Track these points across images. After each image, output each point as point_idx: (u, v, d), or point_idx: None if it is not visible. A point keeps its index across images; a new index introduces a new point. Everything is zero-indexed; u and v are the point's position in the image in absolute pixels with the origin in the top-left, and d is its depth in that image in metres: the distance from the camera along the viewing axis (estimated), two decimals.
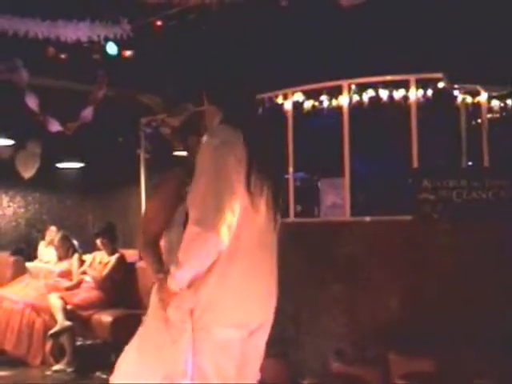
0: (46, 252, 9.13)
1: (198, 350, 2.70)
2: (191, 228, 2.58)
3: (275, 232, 2.93)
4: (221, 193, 2.59)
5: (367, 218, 6.05)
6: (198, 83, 3.23)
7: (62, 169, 10.85)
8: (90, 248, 8.48)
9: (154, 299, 2.97)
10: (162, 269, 2.97)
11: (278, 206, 2.90)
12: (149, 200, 3.13)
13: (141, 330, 3.07)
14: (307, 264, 6.04)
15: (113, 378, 3.18)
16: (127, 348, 3.14)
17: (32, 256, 9.21)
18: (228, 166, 2.63)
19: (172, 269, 2.68)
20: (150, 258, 3.15)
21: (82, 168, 10.87)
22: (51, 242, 9.08)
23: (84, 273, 7.88)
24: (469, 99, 6.30)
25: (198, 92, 3.08)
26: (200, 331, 2.70)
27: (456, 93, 6.12)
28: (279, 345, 5.62)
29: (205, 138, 2.76)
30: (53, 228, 9.23)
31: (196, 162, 2.72)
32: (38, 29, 5.79)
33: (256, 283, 2.80)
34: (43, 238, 9.60)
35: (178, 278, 2.67)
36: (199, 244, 2.58)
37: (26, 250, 9.60)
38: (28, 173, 9.65)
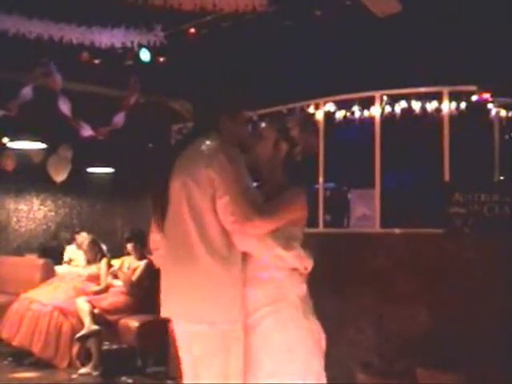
0: (75, 255, 9.19)
1: None
2: None
3: None
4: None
5: (397, 230, 6.00)
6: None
7: (93, 174, 10.95)
8: (118, 253, 8.52)
9: None
10: None
11: None
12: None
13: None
14: (335, 275, 6.01)
15: None
16: None
17: (59, 258, 9.27)
18: None
19: None
20: None
21: (112, 173, 10.95)
22: (81, 246, 9.14)
23: (114, 276, 7.92)
24: (503, 113, 6.23)
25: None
26: None
27: (490, 106, 6.05)
28: None
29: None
30: (84, 234, 9.27)
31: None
32: (73, 34, 5.84)
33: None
34: (70, 242, 9.65)
35: None
36: None
37: (52, 252, 9.68)
38: (59, 177, 9.76)
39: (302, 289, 3.13)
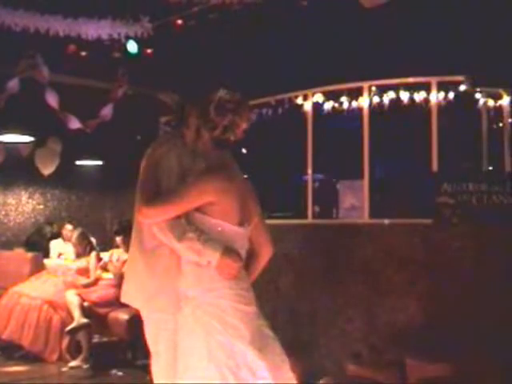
0: (63, 249, 9.15)
1: None
2: None
3: None
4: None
5: (386, 221, 6.01)
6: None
7: (81, 166, 10.88)
8: (107, 245, 8.51)
9: None
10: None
11: None
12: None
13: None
14: (324, 265, 6.02)
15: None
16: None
17: (44, 252, 9.23)
18: None
19: None
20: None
21: (100, 166, 10.90)
22: (66, 239, 9.12)
23: (103, 269, 7.91)
24: (491, 102, 6.24)
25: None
26: None
27: (478, 96, 6.06)
28: (295, 346, 5.62)
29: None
30: (69, 227, 9.24)
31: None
32: (60, 26, 5.80)
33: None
34: (57, 236, 9.59)
35: None
36: None
37: (36, 246, 9.64)
38: (48, 170, 9.70)
39: (212, 287, 2.97)
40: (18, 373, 6.91)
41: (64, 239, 9.23)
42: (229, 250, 2.94)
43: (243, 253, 3.07)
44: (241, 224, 3.04)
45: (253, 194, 3.22)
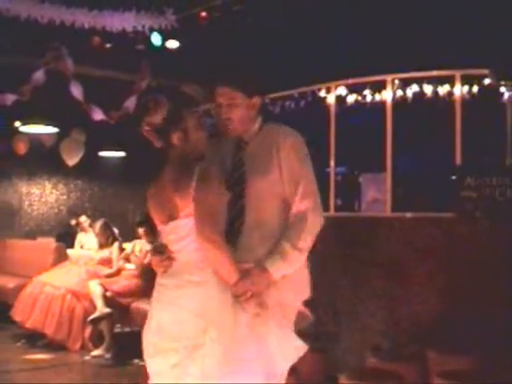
0: (84, 239, 9.23)
1: None
2: (314, 217, 3.02)
3: None
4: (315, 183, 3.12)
5: (408, 214, 5.99)
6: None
7: (104, 157, 10.97)
8: (129, 236, 8.56)
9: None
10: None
11: None
12: (212, 192, 2.98)
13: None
14: (346, 259, 6.03)
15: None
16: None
17: (72, 243, 9.32)
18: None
19: (293, 255, 2.95)
20: (231, 253, 2.90)
21: (123, 157, 10.97)
22: (82, 230, 9.22)
23: (126, 259, 7.97)
24: None
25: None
26: None
27: (502, 89, 6.02)
28: (317, 339, 5.64)
29: (286, 136, 3.08)
30: (83, 218, 9.33)
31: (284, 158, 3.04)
32: (85, 18, 5.86)
33: None
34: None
35: (301, 262, 3.04)
36: (317, 230, 3.05)
37: (66, 237, 9.73)
38: (72, 160, 9.80)
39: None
40: (42, 361, 7.00)
41: (81, 230, 9.32)
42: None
43: (176, 247, 2.97)
44: (164, 222, 3.02)
45: (181, 191, 2.96)
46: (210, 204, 2.87)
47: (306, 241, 2.98)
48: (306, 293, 3.16)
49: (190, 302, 2.86)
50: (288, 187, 3.04)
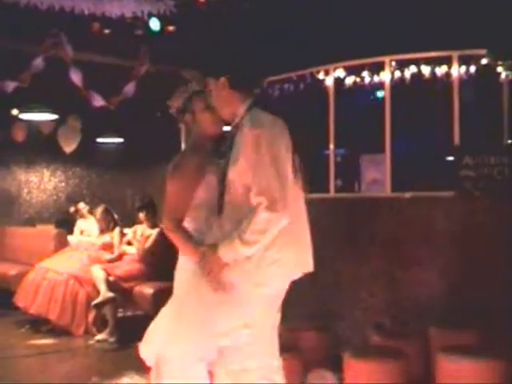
0: (84, 226, 9.29)
1: None
2: (264, 213, 2.99)
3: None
4: (281, 178, 3.03)
5: (407, 194, 6.05)
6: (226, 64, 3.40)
7: (102, 144, 10.98)
8: (128, 221, 8.60)
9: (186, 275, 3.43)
10: (197, 244, 3.35)
11: (307, 178, 3.32)
12: (172, 183, 3.34)
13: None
14: (347, 239, 6.09)
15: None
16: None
17: (71, 230, 9.37)
18: (282, 154, 3.08)
19: (236, 244, 3.06)
20: (184, 237, 3.45)
21: (121, 143, 10.99)
22: (81, 217, 9.31)
23: (128, 244, 8.03)
24: None
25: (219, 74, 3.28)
26: None
27: (500, 69, 6.06)
28: (320, 318, 5.71)
29: (249, 125, 3.11)
30: (81, 205, 9.44)
31: (242, 146, 3.10)
32: (84, 4, 5.86)
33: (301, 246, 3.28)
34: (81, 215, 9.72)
35: (243, 253, 3.08)
36: (272, 227, 3.03)
37: (65, 224, 9.77)
38: (70, 147, 9.82)
39: None
40: (46, 346, 7.06)
41: (80, 217, 9.39)
42: None
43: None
44: None
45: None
46: (168, 192, 3.38)
47: (253, 235, 3.03)
48: (270, 286, 3.22)
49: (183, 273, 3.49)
50: (251, 179, 3.10)
